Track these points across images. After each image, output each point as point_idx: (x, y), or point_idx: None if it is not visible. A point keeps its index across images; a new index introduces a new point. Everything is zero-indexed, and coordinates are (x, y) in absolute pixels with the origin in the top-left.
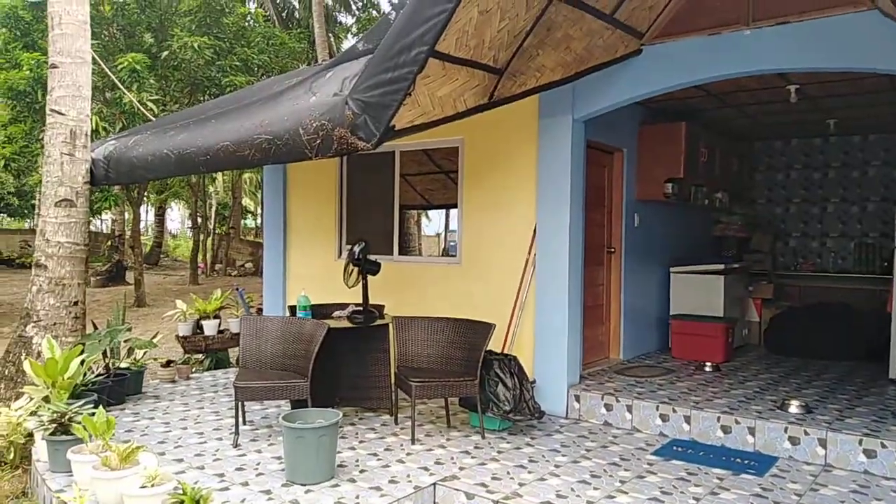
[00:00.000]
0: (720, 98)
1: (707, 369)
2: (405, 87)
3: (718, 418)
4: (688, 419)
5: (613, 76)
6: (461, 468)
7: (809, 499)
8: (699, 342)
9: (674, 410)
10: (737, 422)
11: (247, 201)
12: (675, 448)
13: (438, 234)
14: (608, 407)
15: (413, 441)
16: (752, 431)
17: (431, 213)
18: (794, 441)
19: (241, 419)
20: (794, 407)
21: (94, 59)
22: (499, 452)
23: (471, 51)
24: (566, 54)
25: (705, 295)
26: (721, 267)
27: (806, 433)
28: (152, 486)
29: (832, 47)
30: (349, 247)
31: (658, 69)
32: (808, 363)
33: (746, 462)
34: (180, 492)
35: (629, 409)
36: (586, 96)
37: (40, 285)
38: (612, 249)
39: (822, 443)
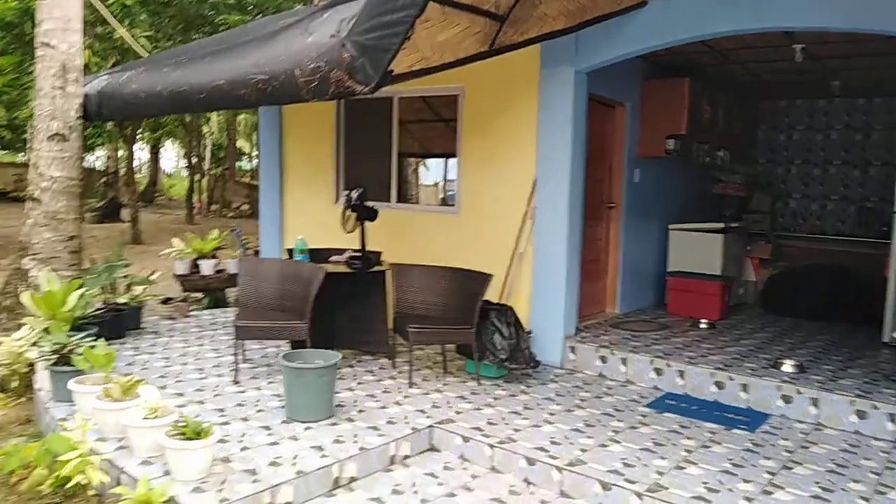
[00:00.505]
0: (724, 54)
1: (702, 326)
2: (404, 30)
3: (712, 374)
4: (682, 374)
5: (618, 28)
6: (457, 412)
7: (800, 455)
8: (695, 299)
9: (668, 365)
10: (730, 378)
11: (242, 143)
12: (668, 402)
13: (437, 184)
14: (603, 359)
15: (410, 385)
16: (745, 388)
17: (430, 161)
18: (786, 399)
19: (241, 357)
20: (787, 366)
21: None
22: (494, 399)
23: None
24: (570, 3)
25: (703, 253)
26: (720, 226)
27: (798, 392)
28: (154, 417)
29: (842, 6)
30: (347, 192)
31: (663, 22)
32: (803, 324)
33: (739, 418)
34: (182, 424)
35: (624, 361)
36: (589, 47)
37: (35, 219)
38: (612, 205)
39: (815, 402)
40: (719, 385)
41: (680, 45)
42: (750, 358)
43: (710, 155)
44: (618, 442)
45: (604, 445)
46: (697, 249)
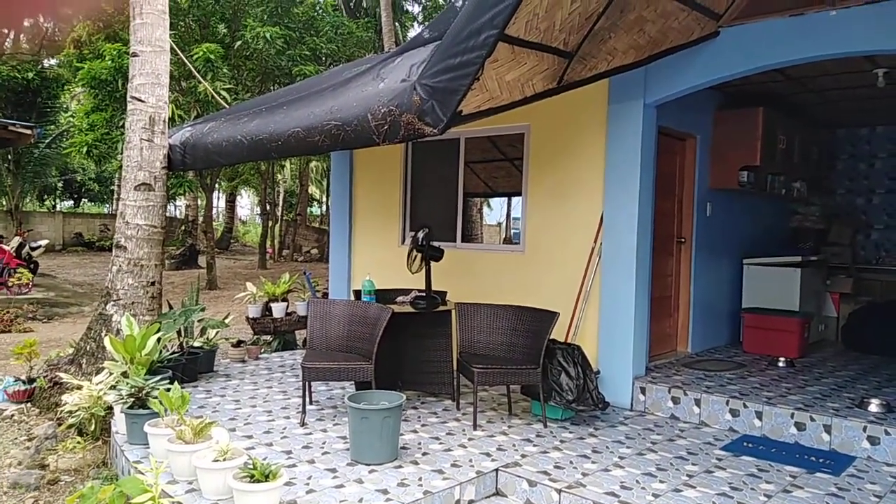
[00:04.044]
0: (801, 82)
1: (780, 365)
2: (473, 71)
3: (792, 415)
4: (759, 415)
5: (688, 59)
6: (523, 455)
7: (890, 501)
8: (773, 336)
9: (745, 405)
10: (812, 419)
11: (313, 189)
12: (745, 444)
13: (500, 223)
14: (675, 400)
15: (475, 427)
16: (827, 429)
17: (493, 201)
18: (873, 441)
19: (307, 399)
20: (873, 405)
21: (171, 48)
22: (561, 442)
23: (541, 34)
24: (639, 37)
25: (780, 288)
26: (797, 259)
27: (887, 433)
28: (224, 459)
29: None
30: (413, 233)
31: (736, 52)
32: (888, 361)
33: (821, 461)
34: (251, 466)
35: (697, 402)
36: (659, 80)
37: (120, 265)
38: (683, 240)
39: None
40: (800, 426)
41: (754, 74)
42: (832, 397)
43: (785, 186)
44: (692, 487)
45: (678, 490)
46: (774, 284)
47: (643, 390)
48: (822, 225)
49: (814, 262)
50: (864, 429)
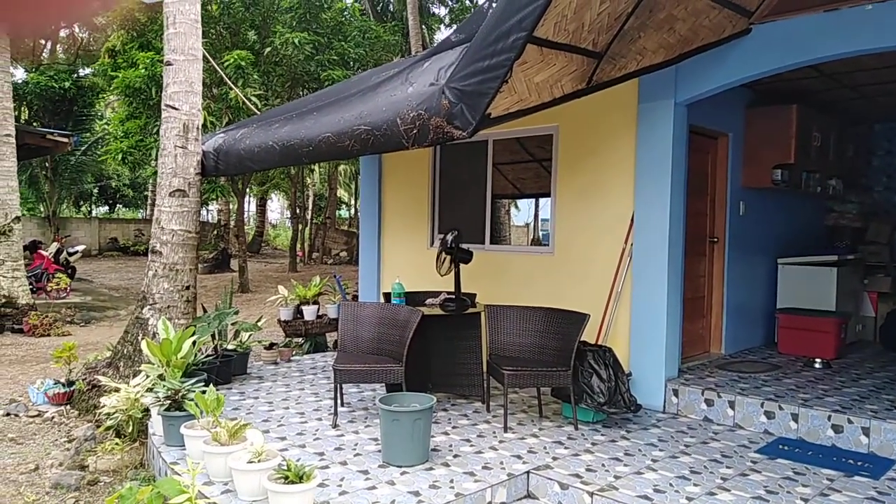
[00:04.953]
0: (835, 78)
1: (817, 366)
2: (502, 74)
3: (829, 417)
4: (795, 417)
5: (720, 57)
6: (554, 458)
7: None
8: (809, 337)
9: (780, 407)
10: (849, 421)
11: (341, 192)
12: (780, 447)
13: (528, 225)
14: (709, 402)
15: (505, 429)
16: (866, 432)
17: (521, 202)
18: None
19: (339, 400)
20: None
21: (203, 56)
22: (593, 444)
23: (569, 35)
24: (669, 36)
25: (816, 288)
26: (834, 258)
27: None
28: (259, 461)
29: None
30: (442, 235)
31: (769, 49)
32: None
33: (860, 464)
34: (285, 468)
35: (731, 405)
36: (690, 79)
37: (156, 270)
38: (716, 239)
39: None
40: (837, 429)
41: (786, 71)
42: (871, 399)
43: (821, 184)
44: (727, 490)
45: (712, 493)
46: (810, 284)
47: (676, 392)
48: (860, 223)
49: (851, 261)
50: None
